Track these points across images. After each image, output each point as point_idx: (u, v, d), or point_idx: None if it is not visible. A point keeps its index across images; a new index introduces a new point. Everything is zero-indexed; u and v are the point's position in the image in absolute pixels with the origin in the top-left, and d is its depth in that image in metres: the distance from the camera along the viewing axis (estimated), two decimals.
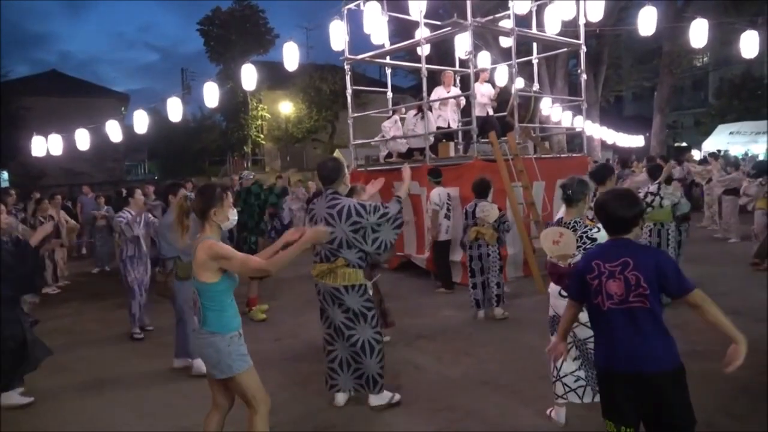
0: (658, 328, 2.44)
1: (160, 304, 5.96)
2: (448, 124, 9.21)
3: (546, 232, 3.52)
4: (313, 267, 4.01)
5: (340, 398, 4.09)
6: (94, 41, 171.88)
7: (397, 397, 4.06)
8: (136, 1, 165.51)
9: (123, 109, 27.96)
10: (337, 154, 22.89)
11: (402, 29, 12.31)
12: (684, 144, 29.27)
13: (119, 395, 4.58)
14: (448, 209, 7.43)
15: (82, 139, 10.48)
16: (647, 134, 20.60)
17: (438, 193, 7.34)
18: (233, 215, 3.01)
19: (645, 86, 26.06)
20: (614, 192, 2.70)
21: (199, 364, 4.82)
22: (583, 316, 3.40)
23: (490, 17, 8.85)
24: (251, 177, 7.70)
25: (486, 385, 4.40)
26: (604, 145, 18.98)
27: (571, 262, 3.36)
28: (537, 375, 4.48)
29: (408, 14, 9.76)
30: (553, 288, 3.62)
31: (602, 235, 3.29)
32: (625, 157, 16.61)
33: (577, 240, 3.38)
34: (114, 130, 10.32)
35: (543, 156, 8.98)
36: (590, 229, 3.41)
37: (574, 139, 16.22)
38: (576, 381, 3.56)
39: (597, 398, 3.43)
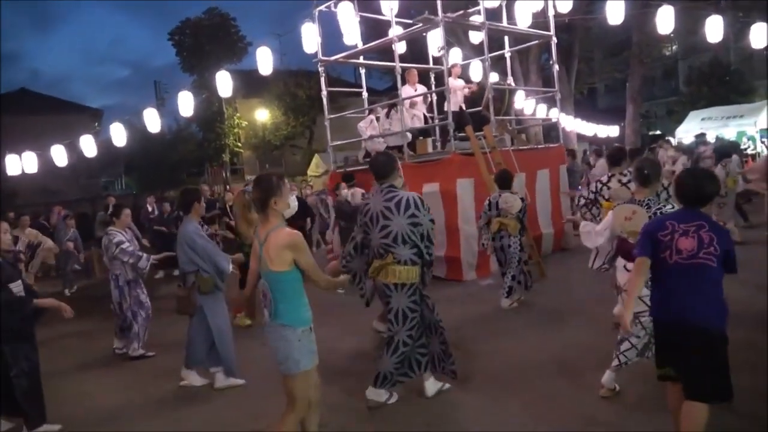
0: (716, 291, 2.66)
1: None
2: (425, 120, 9.25)
3: (619, 209, 3.75)
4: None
5: (429, 387, 4.06)
6: (65, 58, 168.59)
7: (394, 398, 4.00)
8: (105, 16, 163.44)
9: (96, 124, 27.59)
10: (316, 158, 22.85)
11: (374, 31, 12.33)
12: (658, 132, 29.73)
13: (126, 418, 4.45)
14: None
15: (57, 156, 10.31)
16: (622, 124, 20.90)
17: (352, 194, 8.22)
18: (294, 202, 2.97)
19: (617, 78, 26.37)
20: (695, 170, 3.11)
21: (221, 378, 4.64)
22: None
23: (461, 12, 8.91)
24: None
25: (474, 378, 4.40)
26: (580, 137, 19.20)
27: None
28: (526, 364, 4.53)
29: (379, 14, 9.79)
30: (619, 262, 3.90)
31: None
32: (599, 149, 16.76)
33: (650, 216, 3.56)
34: (88, 146, 10.17)
35: (520, 148, 9.07)
36: (663, 206, 3.63)
37: (551, 131, 16.38)
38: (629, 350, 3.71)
39: (614, 363, 3.70)
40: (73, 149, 10.27)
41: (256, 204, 2.87)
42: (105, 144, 11.52)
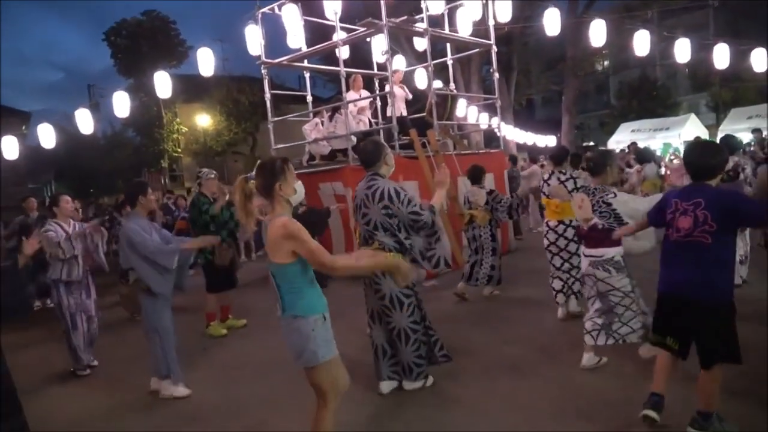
0: (717, 263, 2.78)
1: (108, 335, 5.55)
2: (369, 126, 9.31)
3: (575, 197, 3.96)
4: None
5: (383, 386, 3.99)
6: None
7: (431, 380, 4.02)
8: (35, 17, 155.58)
9: (24, 127, 26.14)
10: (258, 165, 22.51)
11: (318, 38, 12.34)
12: (591, 143, 31.10)
13: None
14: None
15: None
16: (558, 135, 21.74)
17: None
18: (300, 187, 2.77)
19: (553, 90, 27.52)
20: (700, 143, 3.19)
21: (167, 386, 4.31)
22: (615, 281, 3.80)
23: (404, 17, 9.04)
24: (212, 176, 6.13)
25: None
26: (519, 146, 19.83)
27: (589, 224, 3.83)
28: (497, 355, 4.61)
29: (324, 19, 9.79)
30: (581, 249, 4.10)
31: (617, 200, 3.69)
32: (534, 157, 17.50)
33: (594, 204, 3.78)
34: (12, 148, 9.58)
35: (462, 152, 9.25)
36: (606, 194, 3.79)
37: (492, 140, 16.87)
38: (592, 326, 3.94)
39: (609, 341, 3.86)
40: None
41: (260, 190, 2.68)
42: (33, 148, 10.89)
